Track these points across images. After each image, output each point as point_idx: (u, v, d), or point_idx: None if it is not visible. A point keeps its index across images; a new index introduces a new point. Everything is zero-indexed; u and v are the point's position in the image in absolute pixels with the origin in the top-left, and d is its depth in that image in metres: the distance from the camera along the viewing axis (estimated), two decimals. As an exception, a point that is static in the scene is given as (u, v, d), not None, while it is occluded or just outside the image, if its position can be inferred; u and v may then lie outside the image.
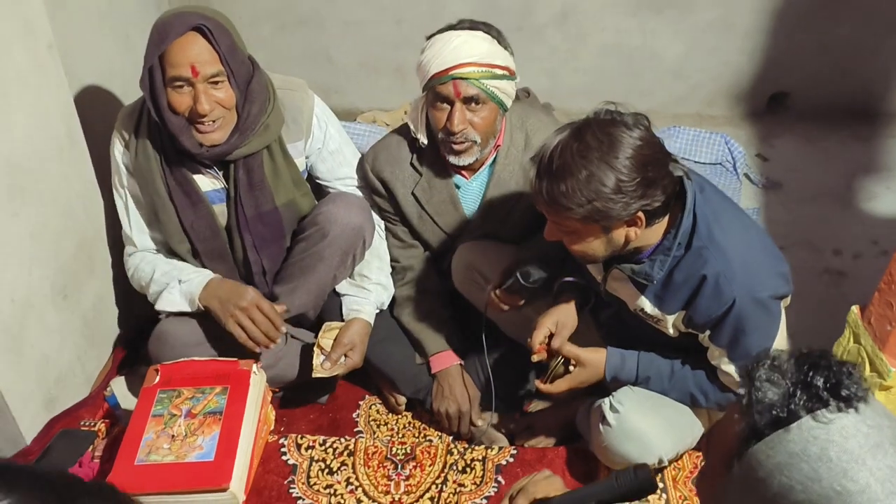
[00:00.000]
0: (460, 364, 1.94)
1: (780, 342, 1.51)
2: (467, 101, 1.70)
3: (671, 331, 1.55)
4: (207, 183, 1.81)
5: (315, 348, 1.84)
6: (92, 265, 1.94)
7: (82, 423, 1.80)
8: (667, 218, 1.45)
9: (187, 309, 1.81)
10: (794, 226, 2.66)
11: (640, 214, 1.37)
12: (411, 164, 1.89)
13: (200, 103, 1.61)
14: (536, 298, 1.76)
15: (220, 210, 1.84)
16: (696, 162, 3.00)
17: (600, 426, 1.62)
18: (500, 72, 1.70)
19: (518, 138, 1.87)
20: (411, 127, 1.84)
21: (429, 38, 1.76)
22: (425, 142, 1.83)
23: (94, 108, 2.09)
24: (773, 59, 3.11)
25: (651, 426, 1.59)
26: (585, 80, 3.19)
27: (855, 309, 1.77)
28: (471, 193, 1.92)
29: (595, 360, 1.63)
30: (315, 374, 1.82)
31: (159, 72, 1.62)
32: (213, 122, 1.66)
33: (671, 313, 1.52)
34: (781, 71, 3.14)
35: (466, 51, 1.67)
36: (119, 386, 1.94)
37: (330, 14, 3.07)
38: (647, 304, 1.55)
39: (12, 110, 1.57)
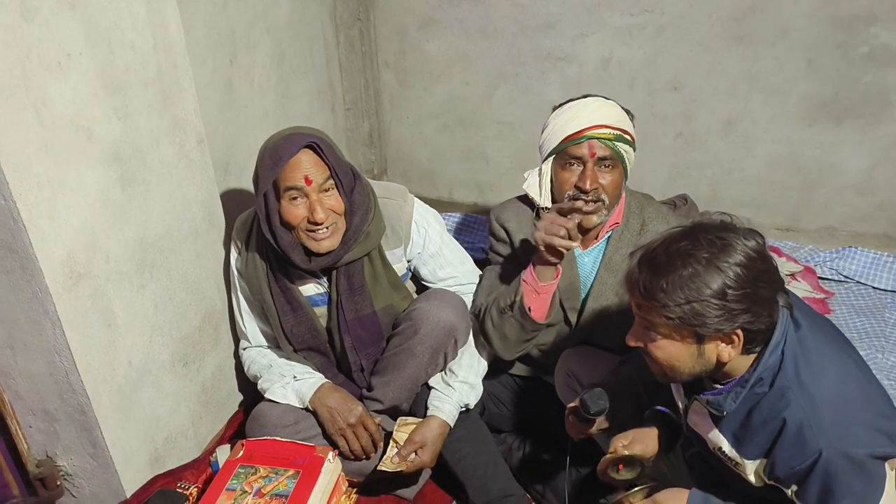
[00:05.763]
0: None
1: None
2: (600, 161, 1.75)
3: (752, 478, 1.38)
4: (311, 288, 1.92)
5: (391, 440, 1.84)
6: (217, 336, 2.10)
7: (179, 484, 1.92)
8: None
9: (296, 405, 1.92)
10: None
11: (740, 332, 1.25)
12: (533, 223, 1.89)
13: (316, 212, 1.70)
14: (617, 428, 1.64)
15: (322, 312, 1.94)
16: (874, 288, 2.67)
17: None
18: (628, 137, 1.77)
19: (634, 223, 1.87)
20: (530, 193, 1.87)
21: (556, 108, 1.83)
22: (549, 205, 1.84)
23: (245, 191, 2.32)
24: (983, 178, 2.71)
25: None
26: (752, 191, 2.97)
27: None
28: (583, 267, 1.91)
29: (675, 499, 1.47)
30: (380, 468, 1.81)
31: (273, 192, 1.73)
32: (327, 228, 1.75)
33: (751, 459, 1.36)
34: None
35: (603, 113, 1.75)
36: (224, 453, 2.04)
37: (486, 116, 3.19)
38: (724, 444, 1.40)
39: (151, 196, 1.77)
